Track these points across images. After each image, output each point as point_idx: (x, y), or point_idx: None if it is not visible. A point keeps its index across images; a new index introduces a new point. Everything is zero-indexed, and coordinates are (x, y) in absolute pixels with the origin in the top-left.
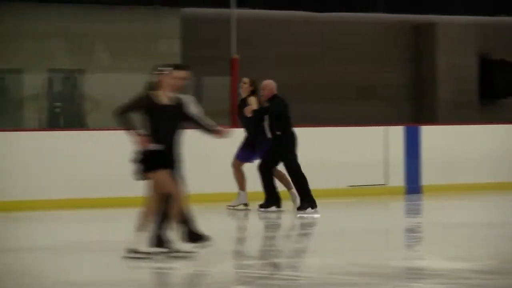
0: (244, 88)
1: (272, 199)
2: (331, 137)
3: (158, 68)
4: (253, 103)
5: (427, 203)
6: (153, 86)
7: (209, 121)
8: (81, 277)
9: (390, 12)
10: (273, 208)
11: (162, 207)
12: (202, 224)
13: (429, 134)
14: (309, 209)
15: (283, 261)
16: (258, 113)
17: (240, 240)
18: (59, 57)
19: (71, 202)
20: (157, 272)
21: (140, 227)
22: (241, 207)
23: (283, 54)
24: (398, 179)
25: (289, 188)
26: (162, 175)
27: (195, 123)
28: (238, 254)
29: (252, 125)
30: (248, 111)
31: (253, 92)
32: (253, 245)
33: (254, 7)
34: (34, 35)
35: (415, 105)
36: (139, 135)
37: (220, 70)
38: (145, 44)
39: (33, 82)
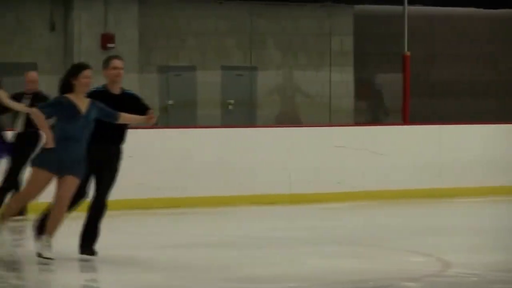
0: None
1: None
2: (499, 134)
3: None
4: (3, 97)
5: None
6: None
7: None
8: (268, 272)
9: None
10: (18, 217)
11: None
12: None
13: None
14: None
15: (450, 259)
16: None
17: (407, 236)
18: (232, 55)
19: (226, 199)
20: (318, 269)
21: None
22: None
23: (452, 51)
24: None
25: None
26: None
27: None
28: (405, 251)
29: None
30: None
31: None
32: (420, 241)
33: (425, 4)
34: (208, 33)
35: None
36: None
37: (392, 67)
38: (318, 41)
39: (206, 79)
